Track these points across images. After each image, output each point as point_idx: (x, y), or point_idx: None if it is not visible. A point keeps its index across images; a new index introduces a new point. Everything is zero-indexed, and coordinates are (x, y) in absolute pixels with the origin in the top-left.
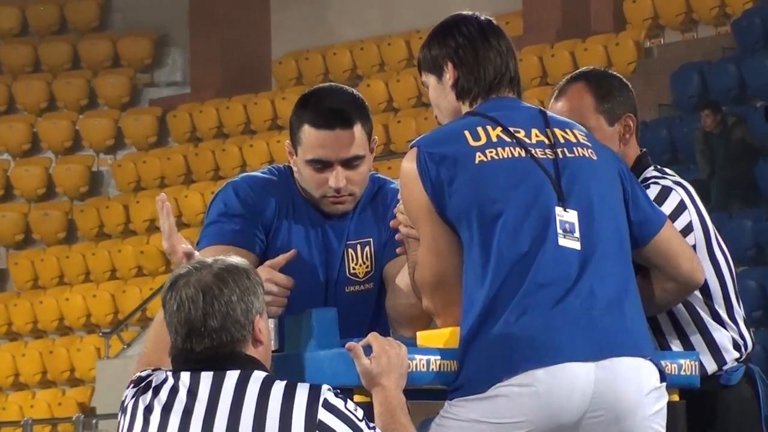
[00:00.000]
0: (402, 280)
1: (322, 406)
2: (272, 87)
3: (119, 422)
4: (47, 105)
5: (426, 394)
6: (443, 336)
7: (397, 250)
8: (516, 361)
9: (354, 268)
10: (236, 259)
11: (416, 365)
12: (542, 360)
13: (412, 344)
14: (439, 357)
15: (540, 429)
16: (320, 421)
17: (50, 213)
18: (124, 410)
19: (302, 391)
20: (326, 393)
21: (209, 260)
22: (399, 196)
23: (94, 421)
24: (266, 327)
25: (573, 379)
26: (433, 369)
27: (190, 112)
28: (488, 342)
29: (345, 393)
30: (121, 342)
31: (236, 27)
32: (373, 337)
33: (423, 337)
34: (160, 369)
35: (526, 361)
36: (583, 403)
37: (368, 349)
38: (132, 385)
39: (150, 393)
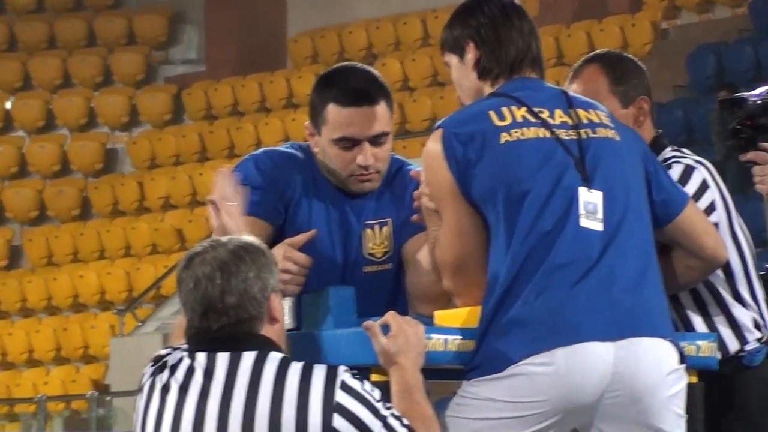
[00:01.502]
0: (423, 257)
1: (340, 387)
2: (287, 65)
3: (137, 401)
4: (62, 82)
5: (443, 373)
6: (461, 315)
7: (413, 219)
8: (535, 340)
9: (372, 248)
10: (250, 237)
11: (434, 344)
12: (561, 339)
13: (429, 323)
14: (456, 336)
15: (558, 408)
16: (338, 402)
17: (65, 190)
18: (141, 389)
19: (319, 373)
20: (343, 374)
21: (224, 239)
22: (422, 178)
23: (107, 398)
24: (280, 305)
25: (592, 359)
26: (450, 348)
27: (206, 89)
28: (507, 321)
29: (362, 372)
30: (135, 319)
31: (252, 5)
32: (390, 316)
33: (440, 317)
34: (178, 348)
35: (544, 340)
36: (601, 383)
37: (386, 328)
38: (151, 363)
39: (167, 372)
